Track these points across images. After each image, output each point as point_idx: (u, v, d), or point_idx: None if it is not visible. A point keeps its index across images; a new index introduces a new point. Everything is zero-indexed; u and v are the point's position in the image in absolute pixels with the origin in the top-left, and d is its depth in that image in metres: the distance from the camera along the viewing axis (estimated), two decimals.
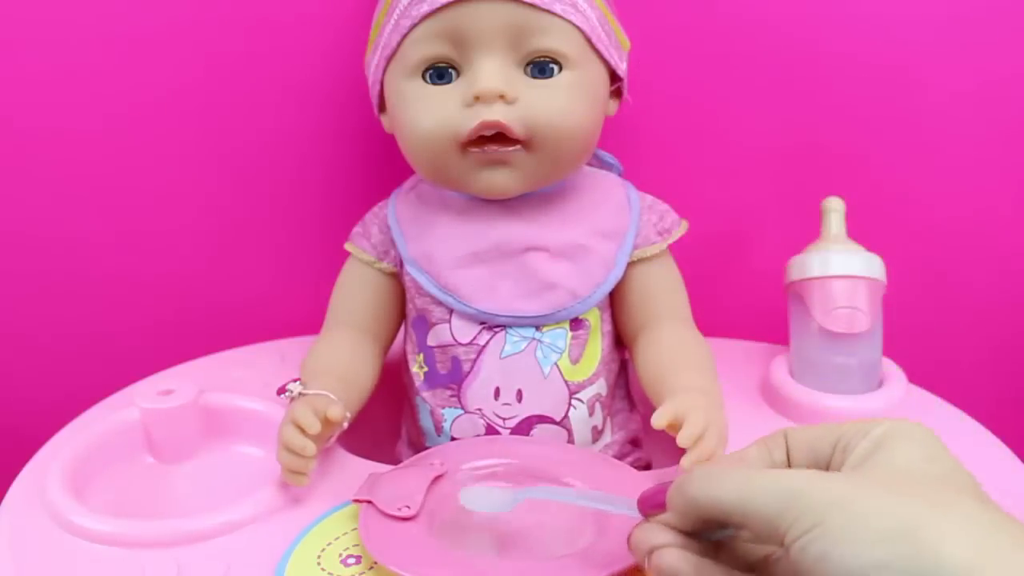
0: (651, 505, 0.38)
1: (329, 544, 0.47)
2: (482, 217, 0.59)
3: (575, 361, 0.59)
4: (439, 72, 0.56)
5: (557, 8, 0.55)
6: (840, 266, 0.62)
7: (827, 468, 0.36)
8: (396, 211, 0.63)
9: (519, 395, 0.58)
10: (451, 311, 0.59)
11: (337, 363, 0.59)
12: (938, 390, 0.64)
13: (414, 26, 0.56)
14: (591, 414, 0.60)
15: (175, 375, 0.66)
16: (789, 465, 0.38)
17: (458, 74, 0.56)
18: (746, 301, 0.77)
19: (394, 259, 0.63)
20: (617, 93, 0.62)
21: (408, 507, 0.47)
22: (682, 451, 0.48)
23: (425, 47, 0.56)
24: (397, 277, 0.63)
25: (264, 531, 0.49)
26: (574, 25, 0.56)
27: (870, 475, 0.33)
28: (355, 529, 0.47)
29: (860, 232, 0.64)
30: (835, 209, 0.64)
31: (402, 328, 0.65)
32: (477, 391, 0.59)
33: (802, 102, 0.72)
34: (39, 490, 0.52)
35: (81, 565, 0.47)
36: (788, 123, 0.73)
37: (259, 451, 0.59)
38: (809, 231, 0.65)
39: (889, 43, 0.70)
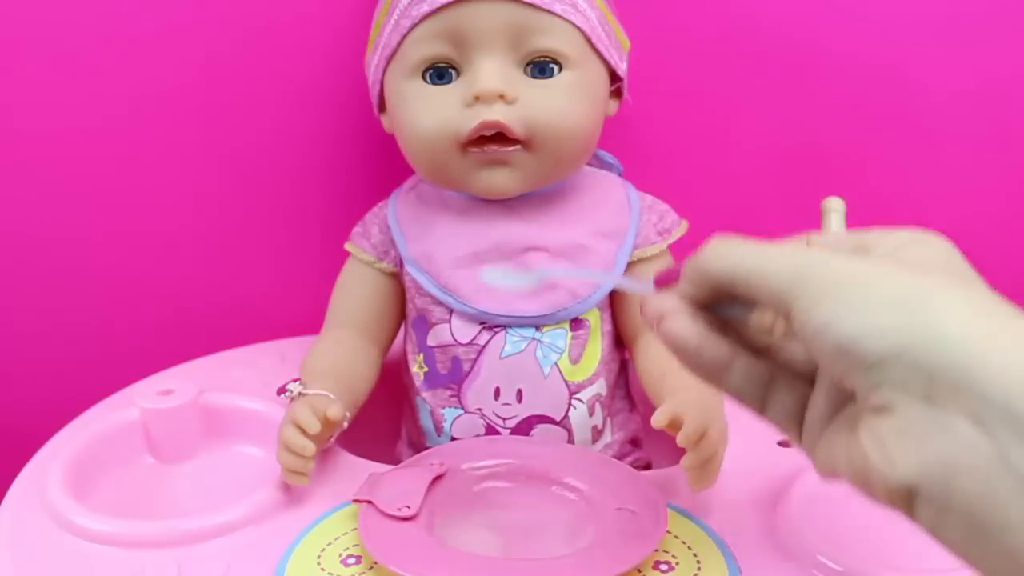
0: (667, 281, 0.38)
1: (329, 544, 0.47)
2: (482, 217, 0.59)
3: (575, 361, 0.59)
4: (439, 72, 0.56)
5: (557, 8, 0.55)
6: None
7: None
8: (396, 211, 0.63)
9: (519, 395, 0.58)
10: (451, 311, 0.59)
11: (337, 363, 0.59)
12: None
13: (414, 26, 0.56)
14: (591, 414, 0.60)
15: (175, 375, 0.66)
16: None
17: (458, 74, 0.56)
18: None
19: (394, 259, 0.62)
20: (617, 93, 0.62)
21: (408, 507, 0.47)
22: (682, 451, 0.48)
23: (425, 47, 0.56)
24: (397, 277, 0.63)
25: (264, 531, 0.49)
26: (574, 25, 0.56)
27: (886, 259, 0.33)
28: (355, 529, 0.47)
29: None
30: (835, 209, 0.64)
31: (402, 328, 0.65)
32: (477, 391, 0.59)
33: (802, 102, 0.72)
34: (39, 490, 0.52)
35: (81, 565, 0.47)
36: (788, 123, 0.73)
37: (259, 451, 0.59)
38: (809, 231, 0.64)
39: (889, 43, 0.70)
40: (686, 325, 0.36)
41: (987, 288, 0.32)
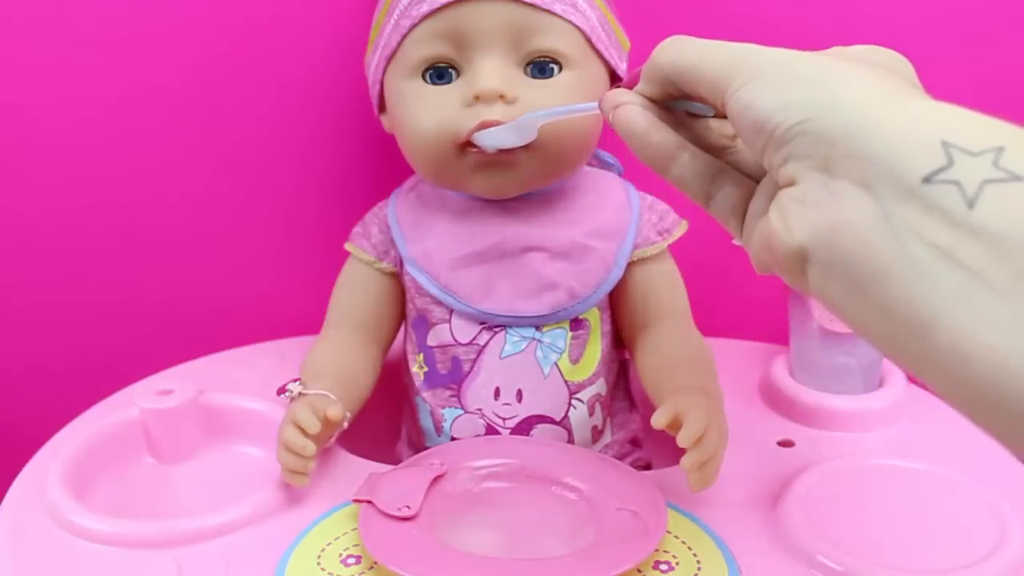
0: (628, 83, 0.41)
1: (329, 544, 0.47)
2: (482, 217, 0.59)
3: (575, 361, 0.59)
4: (439, 72, 0.56)
5: (557, 8, 0.55)
6: None
7: None
8: (396, 211, 0.63)
9: (519, 395, 0.58)
10: (451, 311, 0.59)
11: (337, 363, 0.59)
12: None
13: (414, 26, 0.56)
14: (591, 414, 0.60)
15: (175, 375, 0.66)
16: None
17: (458, 74, 0.56)
18: (746, 301, 0.77)
19: (394, 259, 0.62)
20: None
21: (408, 507, 0.47)
22: (682, 451, 0.48)
23: (425, 47, 0.56)
24: (397, 277, 0.63)
25: (264, 531, 0.49)
26: (574, 25, 0.56)
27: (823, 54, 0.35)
28: (355, 529, 0.47)
29: None
30: None
31: (402, 328, 0.65)
32: (477, 391, 0.59)
33: None
34: (39, 490, 0.52)
35: (81, 565, 0.47)
36: None
37: (259, 451, 0.59)
38: None
39: (889, 43, 0.70)
40: (636, 112, 0.39)
41: (916, 87, 0.34)
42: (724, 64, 0.34)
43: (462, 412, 0.59)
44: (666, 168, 0.39)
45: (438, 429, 0.60)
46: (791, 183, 0.31)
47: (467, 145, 0.55)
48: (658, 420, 0.48)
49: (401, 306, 0.64)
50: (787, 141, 0.31)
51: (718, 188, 0.39)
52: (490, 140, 0.53)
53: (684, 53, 0.36)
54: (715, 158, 0.39)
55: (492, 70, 0.54)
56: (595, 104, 0.42)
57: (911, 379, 0.64)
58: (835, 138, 0.30)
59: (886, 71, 0.33)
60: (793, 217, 0.31)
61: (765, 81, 0.32)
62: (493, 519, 0.50)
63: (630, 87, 0.40)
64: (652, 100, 0.39)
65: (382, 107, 0.62)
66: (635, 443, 0.64)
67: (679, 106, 0.40)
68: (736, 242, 0.39)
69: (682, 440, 0.48)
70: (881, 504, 0.52)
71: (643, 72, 0.39)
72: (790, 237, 0.31)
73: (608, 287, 0.60)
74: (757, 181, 0.37)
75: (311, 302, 0.66)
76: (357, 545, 0.47)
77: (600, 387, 0.60)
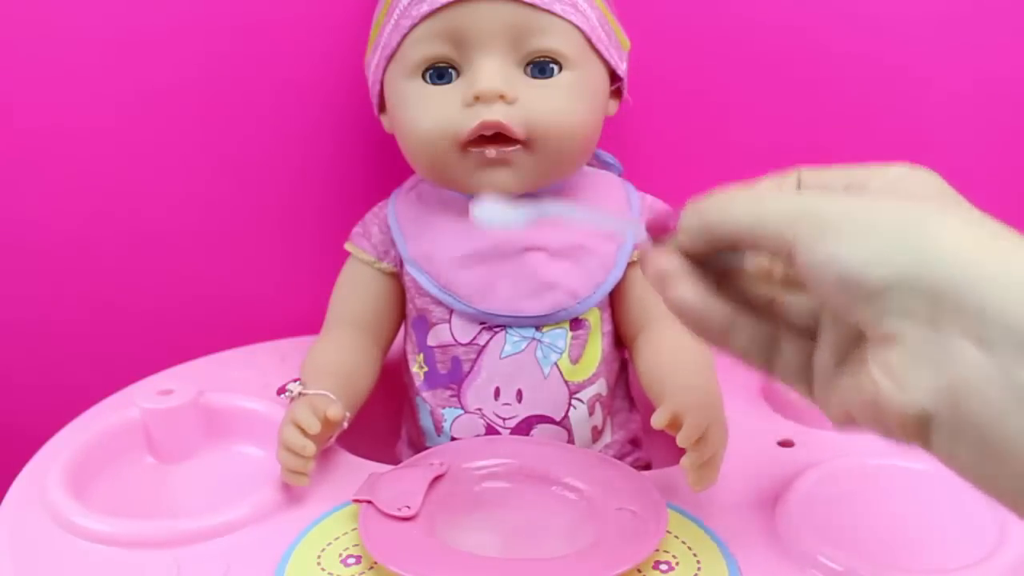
0: (661, 229, 0.38)
1: (329, 544, 0.47)
2: None
3: (575, 361, 0.59)
4: (439, 72, 0.56)
5: (557, 8, 0.55)
6: None
7: None
8: (396, 211, 0.63)
9: (519, 395, 0.58)
10: (451, 311, 0.59)
11: (337, 363, 0.59)
12: None
13: (414, 26, 0.55)
14: (591, 414, 0.60)
15: (175, 375, 0.66)
16: None
17: (458, 74, 0.56)
18: None
19: (394, 259, 0.62)
20: (617, 93, 0.62)
21: (408, 507, 0.47)
22: (682, 451, 0.48)
23: (425, 47, 0.56)
24: (397, 277, 0.63)
25: (264, 531, 0.49)
26: (574, 25, 0.56)
27: (879, 195, 0.34)
28: (355, 529, 0.47)
29: None
30: None
31: (402, 328, 0.65)
32: (477, 391, 0.59)
33: (802, 102, 0.72)
34: (39, 490, 0.52)
35: (81, 565, 0.47)
36: (788, 123, 0.73)
37: (259, 451, 0.59)
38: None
39: (889, 43, 0.70)
40: (689, 290, 0.36)
41: (978, 211, 0.33)
42: (788, 219, 0.32)
43: (462, 412, 0.59)
44: (725, 341, 0.37)
45: (438, 429, 0.60)
46: (892, 339, 0.29)
47: (467, 145, 0.55)
48: (658, 420, 0.48)
49: (401, 306, 0.64)
50: (882, 296, 0.29)
51: (777, 352, 0.37)
52: (488, 217, 0.45)
53: (738, 211, 0.34)
54: (767, 318, 0.37)
55: (492, 70, 0.54)
56: (621, 224, 0.40)
57: None
58: (941, 292, 0.28)
59: (957, 204, 0.32)
60: (905, 377, 0.29)
61: (845, 234, 0.30)
62: (493, 519, 0.50)
63: (659, 232, 0.38)
64: (694, 256, 0.37)
65: (382, 107, 0.62)
66: (635, 443, 0.64)
67: (720, 261, 0.37)
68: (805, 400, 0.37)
69: (682, 440, 0.48)
70: (881, 504, 0.52)
71: (687, 229, 0.36)
72: (906, 399, 0.29)
73: (608, 287, 0.60)
74: (810, 333, 0.36)
75: (311, 302, 0.66)
76: (357, 545, 0.47)
77: (600, 387, 0.60)
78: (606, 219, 0.43)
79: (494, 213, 0.42)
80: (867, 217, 0.30)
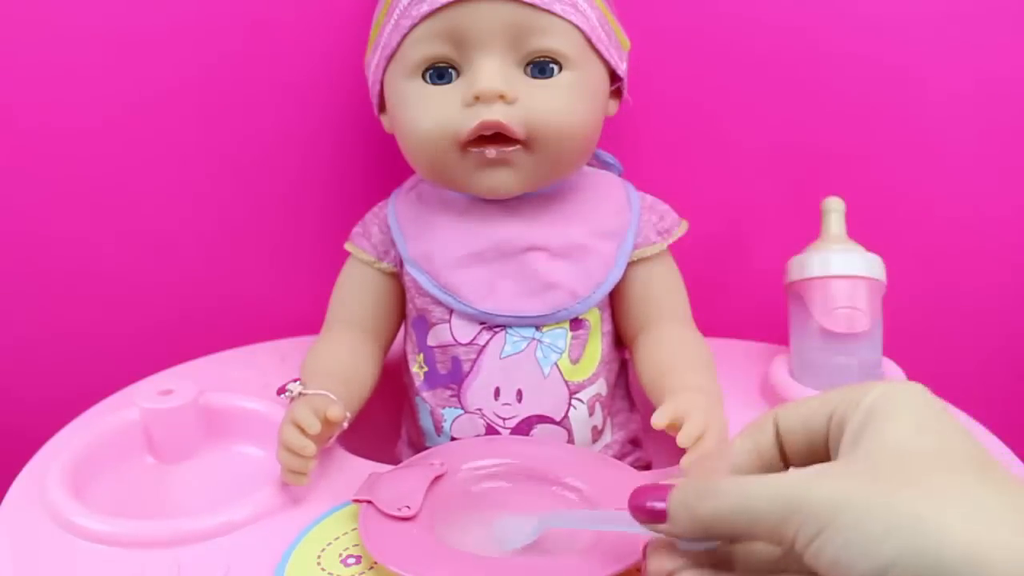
0: (649, 515, 0.37)
1: (329, 544, 0.47)
2: (482, 217, 0.59)
3: (575, 361, 0.59)
4: (439, 72, 0.56)
5: (557, 8, 0.55)
6: (840, 266, 0.62)
7: (825, 444, 0.36)
8: (396, 211, 0.63)
9: (519, 395, 0.58)
10: (451, 311, 0.59)
11: (337, 363, 0.59)
12: (938, 390, 0.63)
13: (414, 26, 0.56)
14: (591, 414, 0.60)
15: (175, 375, 0.66)
16: (782, 449, 0.38)
17: (458, 74, 0.56)
18: (746, 301, 0.77)
19: (394, 259, 0.62)
20: (617, 93, 0.62)
21: (408, 507, 0.47)
22: (682, 451, 0.48)
23: (425, 47, 0.56)
24: (397, 277, 0.63)
25: (264, 531, 0.49)
26: (574, 25, 0.56)
27: (863, 463, 0.33)
28: (355, 529, 0.47)
29: (860, 232, 0.64)
30: (835, 209, 0.64)
31: (402, 328, 0.65)
32: (477, 391, 0.59)
33: (802, 102, 0.72)
34: (39, 490, 0.52)
35: (81, 565, 0.47)
36: (788, 123, 0.73)
37: (259, 451, 0.59)
38: (809, 231, 0.65)
39: (889, 43, 0.70)
40: None
41: (968, 451, 0.32)
42: (777, 514, 0.32)
43: (462, 412, 0.59)
44: None
45: (438, 429, 0.60)
46: None
47: (467, 145, 0.55)
48: (658, 420, 0.48)
49: (401, 306, 0.64)
50: None
51: None
52: (506, 537, 0.47)
53: (726, 508, 0.34)
54: None
55: (492, 70, 0.54)
56: (627, 524, 0.40)
57: (911, 379, 0.64)
58: None
59: (975, 471, 0.31)
60: None
61: (842, 529, 0.30)
62: (493, 519, 0.50)
63: (648, 518, 0.37)
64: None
65: (382, 107, 0.62)
66: (635, 443, 0.64)
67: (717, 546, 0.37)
68: None
69: (682, 440, 0.48)
70: None
71: (675, 521, 0.36)
72: None
73: (608, 287, 0.60)
74: None
75: (311, 302, 0.66)
76: (357, 545, 0.47)
77: (600, 387, 0.60)
78: (610, 519, 0.44)
79: (511, 532, 0.45)
80: (859, 515, 0.30)
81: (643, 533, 0.39)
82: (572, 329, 0.59)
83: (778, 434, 0.38)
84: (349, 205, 0.68)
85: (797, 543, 0.32)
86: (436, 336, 0.60)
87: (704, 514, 0.35)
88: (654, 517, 0.37)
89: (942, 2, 0.69)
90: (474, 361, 0.59)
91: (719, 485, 0.35)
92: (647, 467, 0.64)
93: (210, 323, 0.77)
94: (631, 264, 0.60)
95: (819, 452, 0.37)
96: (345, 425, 0.53)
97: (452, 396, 0.60)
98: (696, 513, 0.35)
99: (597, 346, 0.60)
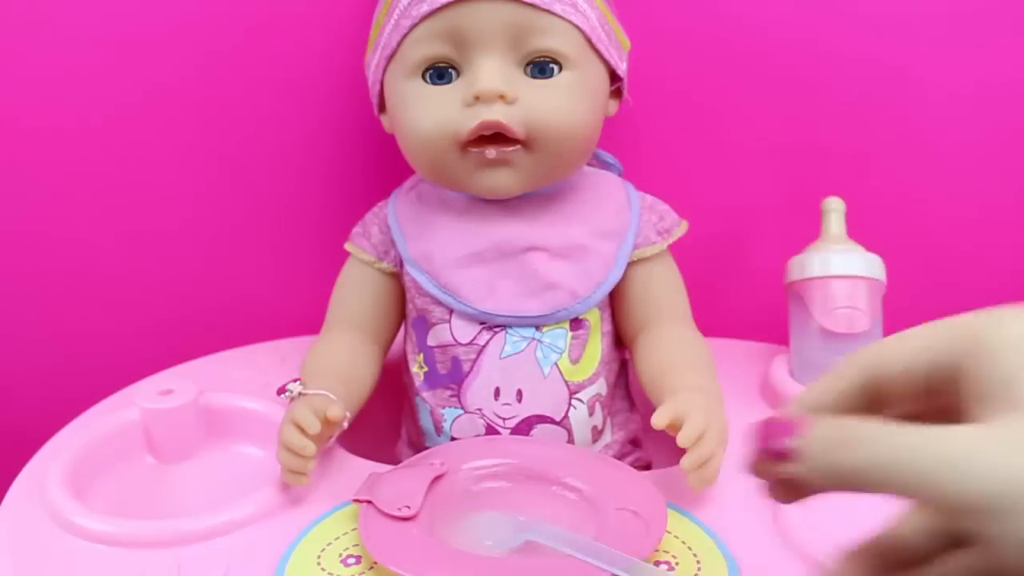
0: (777, 455, 0.32)
1: (329, 544, 0.47)
2: (482, 217, 0.59)
3: (575, 361, 0.59)
4: (439, 72, 0.56)
5: (557, 8, 0.55)
6: (840, 266, 0.62)
7: (936, 390, 0.32)
8: (396, 211, 0.63)
9: (519, 395, 0.58)
10: (451, 311, 0.59)
11: (337, 363, 0.59)
12: None
13: (414, 26, 0.56)
14: (591, 414, 0.60)
15: (175, 375, 0.66)
16: (870, 398, 0.33)
17: (458, 74, 0.56)
18: (746, 301, 0.77)
19: (394, 259, 0.62)
20: (617, 93, 0.62)
21: (408, 507, 0.47)
22: (682, 451, 0.48)
23: (425, 47, 0.56)
24: (397, 277, 0.63)
25: (264, 531, 0.49)
26: (574, 25, 0.56)
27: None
28: (355, 529, 0.47)
29: (860, 232, 0.64)
30: (835, 209, 0.64)
31: (402, 328, 0.65)
32: (477, 391, 0.59)
33: (802, 102, 0.72)
34: (39, 490, 0.52)
35: (81, 565, 0.47)
36: (788, 123, 0.73)
37: (259, 451, 0.59)
38: (809, 231, 0.65)
39: (889, 43, 0.70)
40: None
41: None
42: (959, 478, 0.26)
43: (462, 412, 0.59)
44: None
45: (438, 429, 0.60)
46: None
47: (467, 145, 0.55)
48: (658, 420, 0.48)
49: (401, 306, 0.64)
50: None
51: None
52: (489, 534, 0.47)
53: (889, 457, 0.29)
54: None
55: (492, 70, 0.54)
56: (607, 563, 0.39)
57: None
58: None
59: None
60: None
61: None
62: (481, 518, 0.50)
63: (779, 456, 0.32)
64: None
65: (382, 107, 0.62)
66: (635, 443, 0.64)
67: None
68: None
69: (682, 440, 0.48)
70: (882, 504, 0.52)
71: (812, 463, 0.31)
72: None
73: (608, 287, 0.60)
74: None
75: (311, 302, 0.66)
76: (357, 545, 0.47)
77: (600, 387, 0.60)
78: (593, 552, 0.43)
79: (494, 531, 0.46)
80: None
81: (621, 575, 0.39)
82: (572, 329, 0.59)
83: (866, 382, 0.33)
84: (349, 205, 0.68)
85: (991, 531, 0.26)
86: (436, 336, 0.60)
87: (852, 463, 0.30)
88: (782, 456, 0.32)
89: (942, 2, 0.69)
90: (474, 361, 0.59)
91: (876, 432, 0.29)
92: (647, 467, 0.64)
93: (210, 323, 0.77)
94: (631, 264, 0.60)
95: (930, 399, 0.32)
96: (345, 425, 0.53)
97: (452, 396, 0.60)
98: (841, 461, 0.30)
99: (597, 346, 0.60)
